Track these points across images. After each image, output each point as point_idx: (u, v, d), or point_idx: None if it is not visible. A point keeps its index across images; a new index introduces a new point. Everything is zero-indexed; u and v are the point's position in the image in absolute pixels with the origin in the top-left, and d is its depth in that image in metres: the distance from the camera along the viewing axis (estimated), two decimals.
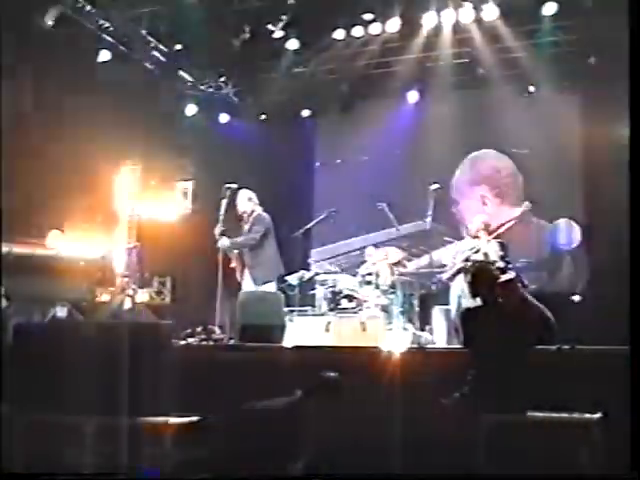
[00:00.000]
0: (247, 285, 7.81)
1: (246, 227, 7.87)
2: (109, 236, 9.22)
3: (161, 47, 9.56)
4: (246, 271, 7.88)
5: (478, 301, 5.14)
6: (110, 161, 9.48)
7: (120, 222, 9.74)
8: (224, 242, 7.62)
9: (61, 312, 7.00)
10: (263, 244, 7.77)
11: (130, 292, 8.34)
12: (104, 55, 9.10)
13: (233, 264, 7.90)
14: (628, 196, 4.20)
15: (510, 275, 5.30)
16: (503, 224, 8.41)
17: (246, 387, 5.88)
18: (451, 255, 8.33)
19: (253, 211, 7.91)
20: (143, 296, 9.26)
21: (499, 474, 4.28)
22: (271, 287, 7.71)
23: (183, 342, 6.88)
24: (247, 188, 8.04)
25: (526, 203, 9.96)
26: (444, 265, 8.30)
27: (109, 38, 9.01)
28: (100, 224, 9.13)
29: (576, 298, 7.53)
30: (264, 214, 7.92)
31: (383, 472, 4.94)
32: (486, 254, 7.74)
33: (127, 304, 7.98)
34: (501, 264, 6.25)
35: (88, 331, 5.43)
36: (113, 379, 4.75)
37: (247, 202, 7.93)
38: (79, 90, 8.56)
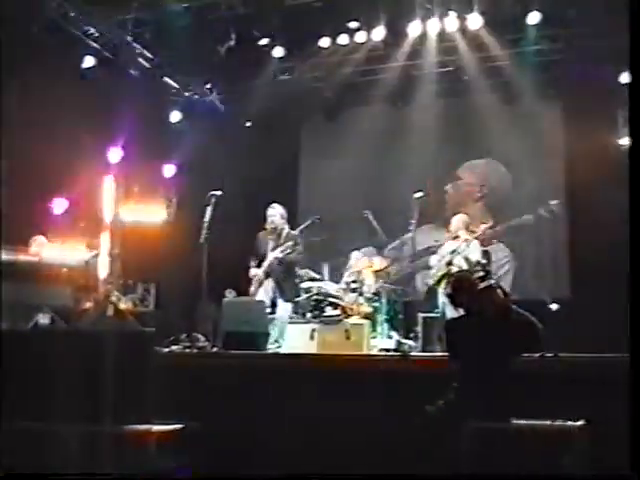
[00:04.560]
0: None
1: (281, 243, 7.96)
2: (92, 242, 9.17)
3: (146, 53, 9.54)
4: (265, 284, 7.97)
5: (460, 311, 5.18)
6: (94, 167, 9.44)
7: (104, 228, 9.69)
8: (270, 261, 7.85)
9: (44, 319, 6.95)
10: None
11: (113, 299, 8.29)
12: (89, 61, 9.08)
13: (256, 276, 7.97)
14: (611, 204, 4.24)
15: (490, 282, 5.33)
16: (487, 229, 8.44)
17: (230, 394, 5.88)
18: (435, 260, 8.40)
19: (283, 228, 8.07)
20: (127, 303, 9.20)
21: (499, 474, 4.30)
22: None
23: (167, 350, 6.86)
24: (278, 203, 8.18)
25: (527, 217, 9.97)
26: (430, 268, 8.38)
27: (94, 44, 8.98)
28: (83, 230, 9.08)
29: (554, 306, 7.60)
30: (291, 230, 8.14)
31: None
32: (467, 257, 7.84)
33: (110, 311, 7.93)
34: (481, 272, 6.30)
35: (71, 338, 5.41)
36: (96, 387, 4.72)
37: (280, 219, 8.07)
38: (63, 96, 8.52)
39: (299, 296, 8.05)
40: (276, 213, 8.07)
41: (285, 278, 7.98)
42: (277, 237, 8.03)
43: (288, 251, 7.87)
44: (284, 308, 7.85)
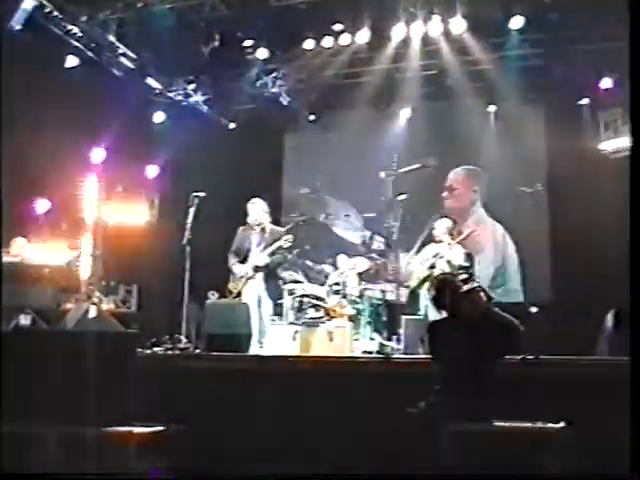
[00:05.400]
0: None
1: (264, 241, 7.83)
2: (74, 243, 9.12)
3: (129, 54, 9.49)
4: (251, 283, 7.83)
5: (443, 313, 5.20)
6: (76, 167, 9.40)
7: (85, 229, 9.64)
8: (264, 259, 7.72)
9: (25, 320, 6.90)
10: None
11: (95, 300, 8.25)
12: (71, 61, 9.01)
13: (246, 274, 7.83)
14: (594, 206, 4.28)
15: (472, 285, 5.35)
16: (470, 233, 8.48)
17: (212, 397, 5.86)
18: (417, 263, 8.43)
19: (267, 223, 7.95)
20: (109, 304, 9.16)
21: (499, 474, 4.32)
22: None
23: (149, 351, 6.83)
24: (259, 197, 8.03)
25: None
26: (411, 273, 8.39)
27: (76, 43, 8.92)
28: (65, 231, 9.03)
29: (534, 309, 7.66)
30: (278, 227, 8.03)
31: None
32: (449, 261, 7.88)
33: (92, 312, 7.89)
34: (464, 276, 6.33)
35: (52, 340, 5.38)
36: (77, 388, 4.70)
37: (263, 213, 7.93)
38: (45, 95, 8.47)
39: (282, 298, 8.04)
40: (258, 208, 7.95)
41: (271, 276, 7.91)
42: (261, 232, 7.93)
43: (274, 248, 7.77)
44: (270, 307, 7.82)
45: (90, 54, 9.12)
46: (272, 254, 7.79)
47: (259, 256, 7.80)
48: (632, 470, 3.60)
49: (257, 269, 7.81)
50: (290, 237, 7.82)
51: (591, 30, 8.57)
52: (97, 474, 4.46)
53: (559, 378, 5.22)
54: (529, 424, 4.57)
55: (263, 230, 7.93)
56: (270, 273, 7.90)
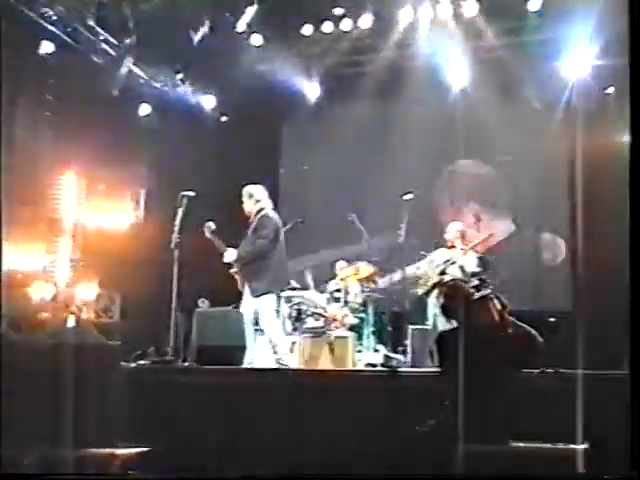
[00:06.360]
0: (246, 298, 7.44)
1: (249, 232, 7.47)
2: (51, 247, 9.10)
3: (111, 39, 9.46)
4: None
5: (454, 323, 5.18)
6: (53, 165, 9.37)
7: (64, 232, 9.62)
8: (231, 255, 7.36)
9: None
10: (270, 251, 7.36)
11: (74, 309, 8.23)
12: (46, 47, 8.96)
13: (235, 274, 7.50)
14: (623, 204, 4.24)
15: (486, 292, 5.33)
16: (487, 238, 8.44)
17: (202, 414, 5.84)
18: (426, 268, 8.37)
19: (260, 210, 7.52)
20: (89, 313, 9.14)
21: (499, 474, 4.31)
22: (270, 300, 7.32)
23: (133, 364, 6.82)
24: (253, 183, 7.69)
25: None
26: (419, 279, 8.35)
27: (51, 28, 8.88)
28: (41, 234, 9.01)
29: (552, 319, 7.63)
30: (271, 213, 7.53)
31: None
32: (462, 267, 7.82)
33: (71, 322, 7.88)
34: (476, 282, 6.31)
35: (26, 352, 5.35)
36: (55, 405, 4.67)
37: (248, 200, 7.59)
38: (17, 84, 8.44)
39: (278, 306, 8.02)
40: (244, 194, 7.65)
41: (253, 274, 7.40)
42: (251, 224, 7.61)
43: (250, 247, 7.40)
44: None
45: (67, 39, 9.08)
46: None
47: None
48: (632, 470, 3.72)
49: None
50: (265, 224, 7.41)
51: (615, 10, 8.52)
52: (97, 474, 4.45)
53: (582, 394, 5.18)
54: (550, 445, 4.55)
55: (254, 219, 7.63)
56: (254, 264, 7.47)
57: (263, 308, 7.27)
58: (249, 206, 7.59)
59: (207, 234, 7.43)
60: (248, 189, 7.66)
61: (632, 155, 4.02)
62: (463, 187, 10.82)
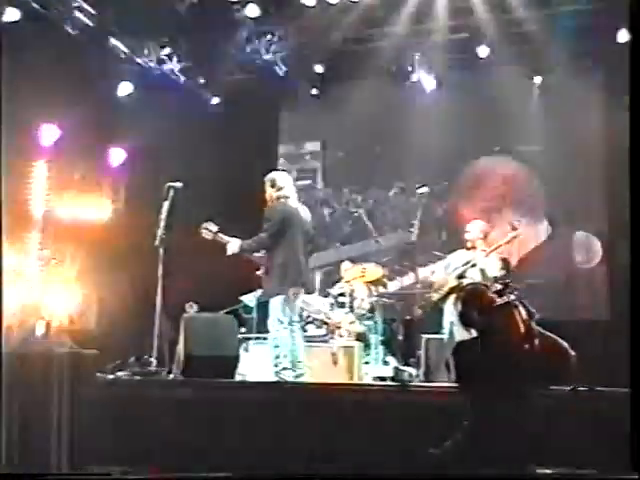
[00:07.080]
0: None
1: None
2: (19, 243, 9.11)
3: (87, 7, 9.44)
4: None
5: (473, 332, 5.18)
6: (22, 150, 9.37)
7: (33, 225, 9.63)
8: (233, 246, 7.27)
9: None
10: (272, 246, 7.25)
11: (44, 314, 8.25)
12: (11, 14, 8.91)
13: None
14: None
15: (509, 298, 5.33)
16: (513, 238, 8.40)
17: (189, 431, 5.85)
18: (442, 271, 8.36)
19: (277, 199, 7.44)
20: (61, 319, 9.15)
21: (499, 474, 4.33)
22: (276, 304, 7.16)
23: (111, 376, 6.83)
24: (279, 170, 7.73)
25: None
26: (433, 283, 8.35)
27: None
28: (8, 228, 9.01)
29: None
30: (278, 204, 7.43)
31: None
32: (483, 270, 7.81)
33: (40, 329, 7.89)
34: (499, 286, 6.32)
35: None
36: (22, 421, 4.68)
37: (270, 188, 7.50)
38: None
39: None
40: (266, 181, 7.58)
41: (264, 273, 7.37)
42: None
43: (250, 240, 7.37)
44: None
45: (35, 6, 9.05)
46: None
47: None
48: (632, 470, 3.96)
49: None
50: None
51: None
52: (97, 474, 4.47)
53: (619, 414, 5.17)
54: (581, 472, 4.56)
55: None
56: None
57: (270, 312, 7.20)
58: (269, 194, 7.52)
59: (207, 236, 7.37)
60: (270, 175, 7.61)
61: (632, 156, 4.03)
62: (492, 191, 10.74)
